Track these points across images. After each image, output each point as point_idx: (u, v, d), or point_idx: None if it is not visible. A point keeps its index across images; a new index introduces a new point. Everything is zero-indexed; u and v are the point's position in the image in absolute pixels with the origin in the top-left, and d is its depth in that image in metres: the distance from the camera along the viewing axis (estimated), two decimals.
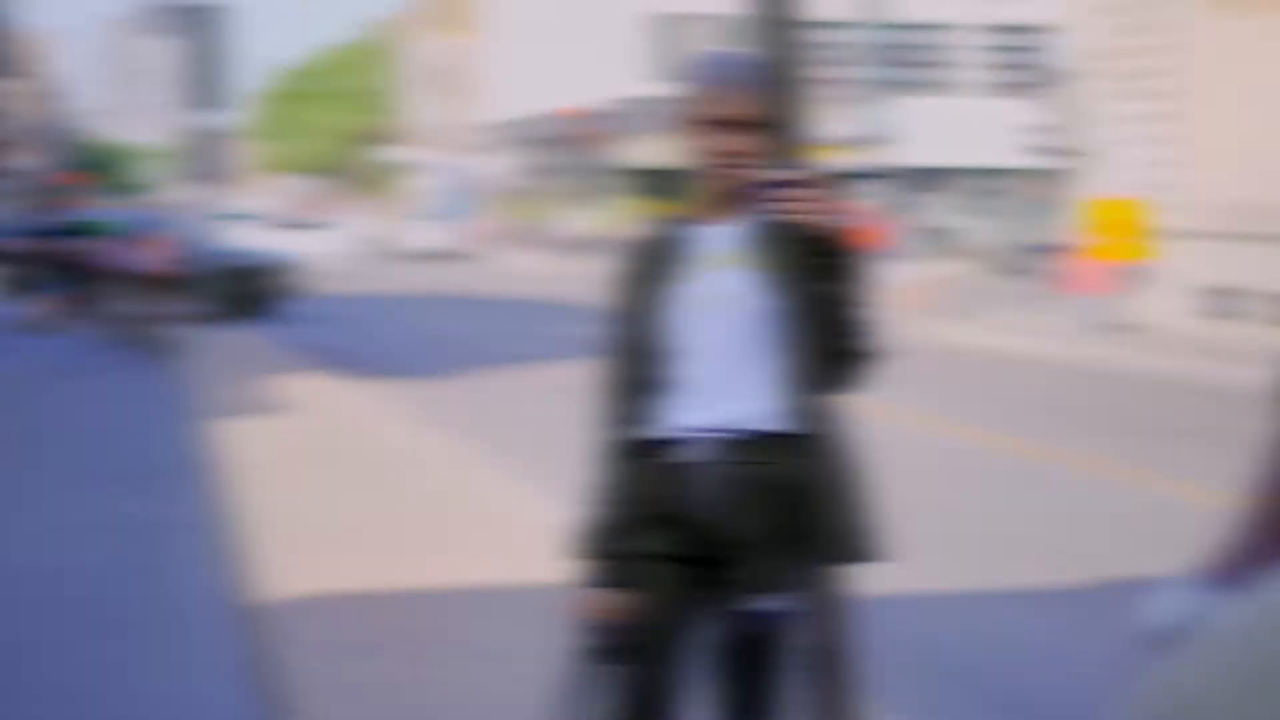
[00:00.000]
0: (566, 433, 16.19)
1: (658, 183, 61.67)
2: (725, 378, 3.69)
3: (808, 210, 3.55)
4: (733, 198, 3.70)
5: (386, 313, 33.32)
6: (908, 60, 60.59)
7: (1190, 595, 1.48)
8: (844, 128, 58.55)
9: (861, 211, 40.50)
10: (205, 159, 27.54)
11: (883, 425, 16.07)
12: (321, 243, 61.34)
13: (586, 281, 48.28)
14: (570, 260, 58.05)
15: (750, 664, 3.72)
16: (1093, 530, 11.00)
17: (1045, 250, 47.87)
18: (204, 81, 26.65)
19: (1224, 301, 26.01)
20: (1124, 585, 9.35)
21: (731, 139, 3.70)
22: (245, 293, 29.92)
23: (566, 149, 64.99)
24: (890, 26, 60.02)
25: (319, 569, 8.65)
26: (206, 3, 26.62)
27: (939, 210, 57.11)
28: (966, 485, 12.85)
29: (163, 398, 18.16)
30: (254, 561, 8.82)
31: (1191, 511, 11.71)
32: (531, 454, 14.49)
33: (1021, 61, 59.27)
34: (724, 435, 3.69)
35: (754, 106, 3.71)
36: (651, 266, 3.82)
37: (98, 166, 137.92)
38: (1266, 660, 0.99)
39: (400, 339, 27.03)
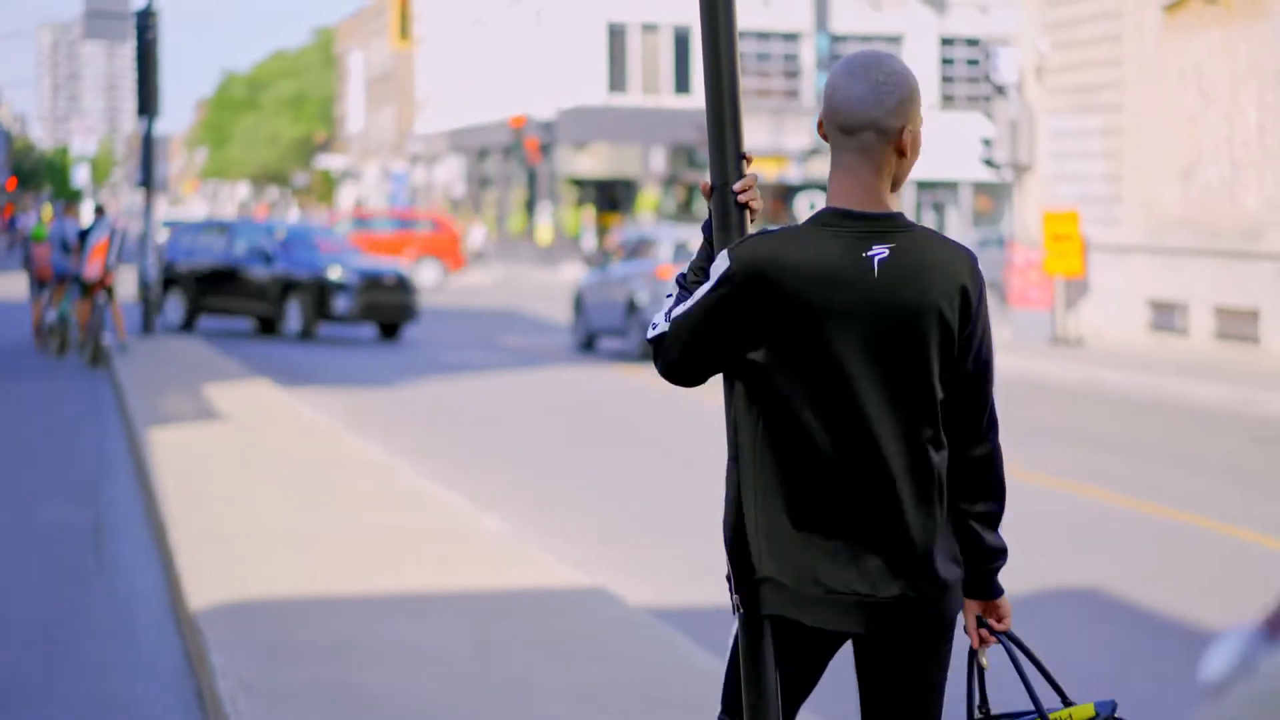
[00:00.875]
0: (506, 441, 16.18)
1: (602, 193, 61.70)
2: None
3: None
4: None
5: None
6: None
7: (1252, 648, 1.43)
8: (792, 140, 58.76)
9: None
10: (144, 166, 27.27)
11: None
12: None
13: (531, 290, 48.05)
14: (517, 269, 57.94)
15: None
16: (1026, 540, 11.01)
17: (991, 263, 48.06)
18: (144, 88, 26.42)
19: (1166, 315, 26.17)
20: (1060, 595, 9.35)
21: None
22: (386, 310, 28.12)
23: (512, 158, 64.91)
24: (840, 38, 60.31)
25: (254, 575, 8.57)
26: (147, 8, 26.35)
27: None
28: None
29: (102, 404, 18.01)
30: (189, 568, 8.73)
31: (1126, 522, 11.74)
32: (468, 462, 14.44)
33: (971, 74, 59.53)
34: None
35: None
36: None
37: (36, 173, 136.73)
38: None
39: (339, 347, 26.89)
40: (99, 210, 23.89)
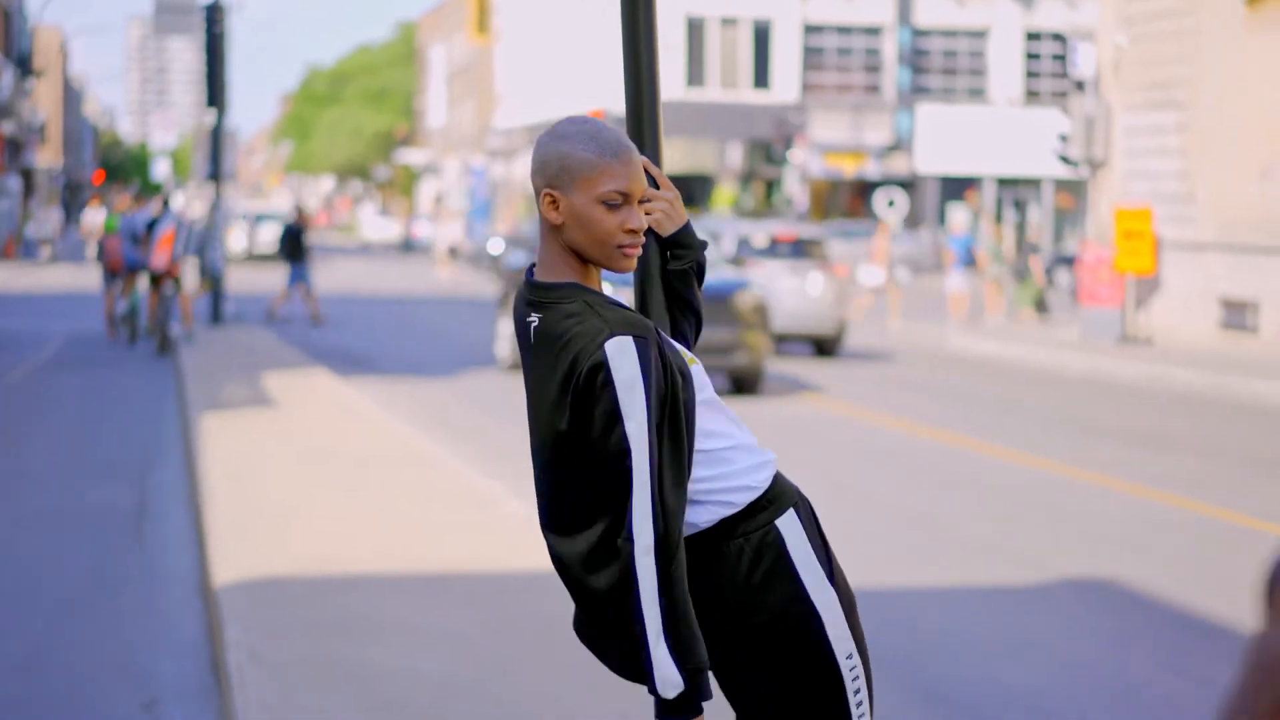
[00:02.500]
0: None
1: (679, 188, 61.68)
2: None
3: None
4: None
5: (395, 313, 33.36)
6: (938, 67, 60.46)
7: None
8: (871, 135, 58.57)
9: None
10: (213, 159, 27.43)
11: (886, 434, 16.04)
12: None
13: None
14: None
15: None
16: (1055, 533, 10.95)
17: (1065, 260, 47.79)
18: (212, 81, 26.64)
19: (1238, 314, 25.91)
20: (1074, 584, 9.31)
21: None
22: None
23: None
24: (923, 32, 60.02)
25: (280, 554, 8.68)
26: (214, 3, 26.52)
27: (965, 220, 56.89)
28: (951, 491, 12.81)
29: (163, 391, 18.24)
30: (219, 546, 8.84)
31: (1165, 518, 11.66)
32: (509, 450, 14.49)
33: (1055, 70, 59.02)
34: None
35: None
36: None
37: (125, 167, 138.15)
38: None
39: (403, 337, 27.02)
40: (165, 203, 24.19)
